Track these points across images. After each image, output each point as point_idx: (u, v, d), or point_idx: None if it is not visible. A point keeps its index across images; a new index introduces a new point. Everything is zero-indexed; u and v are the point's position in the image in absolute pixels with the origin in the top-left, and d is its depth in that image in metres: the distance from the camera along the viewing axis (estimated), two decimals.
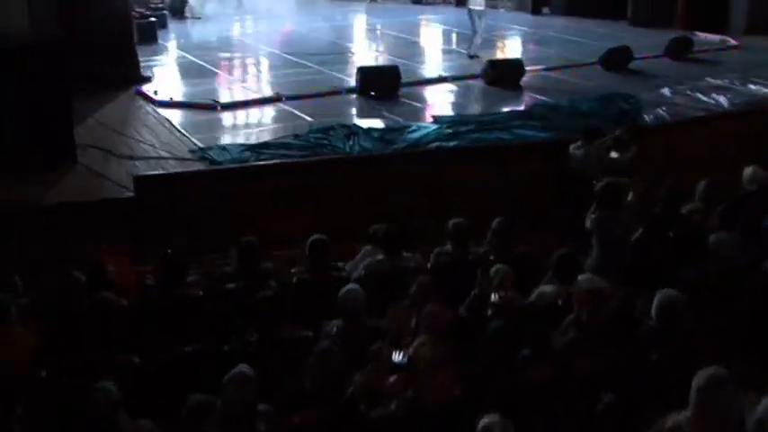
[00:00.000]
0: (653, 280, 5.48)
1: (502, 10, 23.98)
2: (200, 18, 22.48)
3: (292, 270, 6.43)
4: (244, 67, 15.86)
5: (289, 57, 15.97)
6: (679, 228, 7.01)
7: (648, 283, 5.45)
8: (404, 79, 13.21)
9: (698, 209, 7.34)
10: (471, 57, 15.58)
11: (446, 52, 17.38)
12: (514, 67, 13.79)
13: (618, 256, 6.65)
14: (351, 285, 5.55)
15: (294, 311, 5.52)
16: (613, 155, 9.59)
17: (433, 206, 8.80)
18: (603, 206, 6.90)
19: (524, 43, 18.34)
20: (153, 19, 18.42)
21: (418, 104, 12.53)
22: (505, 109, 12.11)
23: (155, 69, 15.08)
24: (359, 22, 22.38)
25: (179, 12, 22.56)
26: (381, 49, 17.83)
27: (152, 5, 20.55)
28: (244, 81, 14.14)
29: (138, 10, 18.15)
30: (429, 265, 6.57)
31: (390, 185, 9.12)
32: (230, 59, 16.23)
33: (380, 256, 6.53)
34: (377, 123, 11.30)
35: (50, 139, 9.13)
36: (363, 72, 12.93)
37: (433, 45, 18.43)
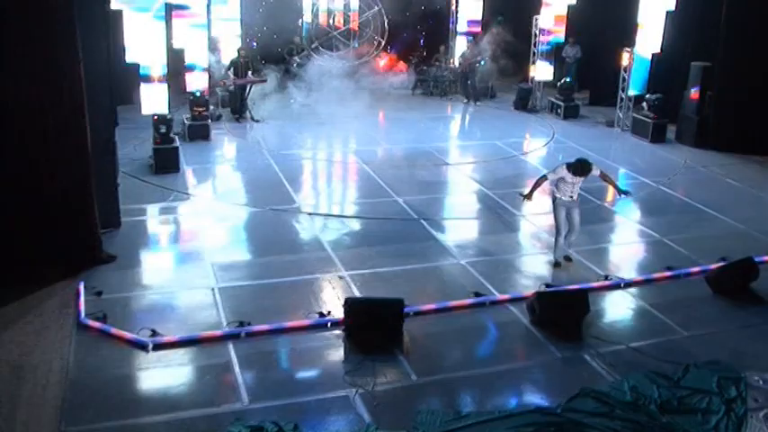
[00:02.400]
0: None
1: (617, 129, 19.98)
2: (258, 121, 19.65)
3: None
4: (245, 238, 12.63)
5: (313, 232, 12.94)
6: None
7: None
8: (416, 305, 9.97)
9: None
10: (556, 265, 11.57)
11: (519, 240, 12.95)
12: (574, 302, 9.90)
13: None
14: None
15: None
16: None
17: None
18: None
19: (619, 210, 14.25)
20: (175, 144, 15.61)
21: (406, 368, 8.81)
22: (522, 403, 8.24)
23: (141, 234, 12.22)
24: (440, 147, 18.82)
25: (237, 112, 19.83)
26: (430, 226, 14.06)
27: (196, 111, 17.82)
28: (224, 281, 10.82)
29: (160, 132, 15.35)
30: None
31: None
32: (235, 226, 13.07)
33: None
34: (335, 416, 7.81)
35: None
36: (351, 307, 9.44)
37: (508, 222, 13.61)
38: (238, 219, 13.24)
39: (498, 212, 13.87)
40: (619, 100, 19.96)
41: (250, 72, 19.79)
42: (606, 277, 11.17)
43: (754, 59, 17.34)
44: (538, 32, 21.98)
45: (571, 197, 11.21)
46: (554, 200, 11.38)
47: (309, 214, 13.36)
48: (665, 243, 12.59)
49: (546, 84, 22.40)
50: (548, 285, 10.82)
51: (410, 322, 9.63)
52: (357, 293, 10.43)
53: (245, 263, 11.50)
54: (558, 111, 21.18)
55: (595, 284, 10.91)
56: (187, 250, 11.99)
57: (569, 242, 11.57)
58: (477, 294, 10.47)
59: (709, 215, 13.97)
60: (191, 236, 12.54)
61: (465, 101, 22.96)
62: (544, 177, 11.32)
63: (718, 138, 18.07)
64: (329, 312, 9.80)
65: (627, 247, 12.72)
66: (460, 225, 13.27)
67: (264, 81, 20.21)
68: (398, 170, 16.04)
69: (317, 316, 9.75)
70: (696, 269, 11.48)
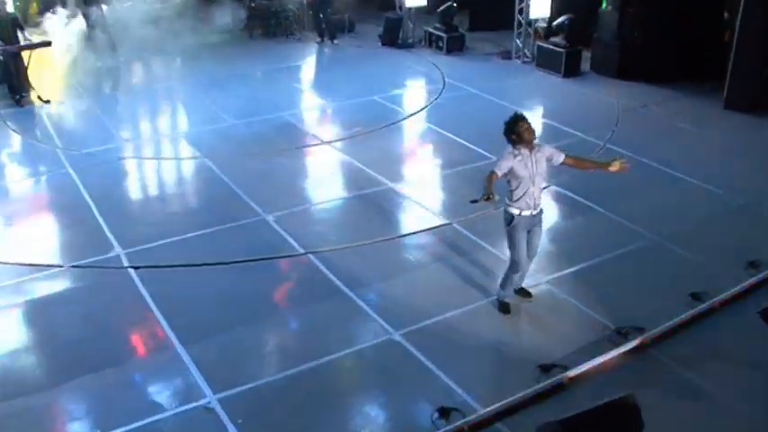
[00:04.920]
0: None
1: (517, 62, 16.03)
2: (48, 102, 14.22)
3: None
4: (30, 340, 7.67)
5: None
6: None
7: None
8: None
9: None
10: (504, 308, 7.42)
11: (461, 274, 8.50)
12: (615, 421, 5.81)
13: None
14: None
15: None
16: None
17: None
18: None
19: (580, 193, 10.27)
20: None
21: None
22: None
23: None
24: (302, 115, 14.15)
25: (16, 92, 14.26)
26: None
27: None
28: None
29: None
30: None
31: None
32: (12, 314, 8.04)
33: None
34: None
35: None
36: None
37: (435, 237, 9.31)
38: (18, 294, 8.19)
39: (418, 218, 9.59)
40: (516, 25, 15.86)
41: (23, 33, 14.21)
42: (619, 332, 7.22)
43: None
44: None
45: (534, 208, 7.07)
46: (510, 220, 7.17)
47: (136, 269, 8.54)
48: (666, 247, 8.80)
49: (419, 11, 17.94)
50: (543, 368, 6.76)
51: None
52: None
53: (31, 401, 6.63)
54: (440, 44, 16.87)
55: (613, 353, 6.95)
56: None
57: (524, 272, 7.51)
58: (442, 414, 6.24)
59: (690, 185, 10.37)
60: None
61: (318, 40, 18.20)
62: (493, 173, 6.98)
63: (646, 65, 14.43)
64: None
65: (618, 263, 8.64)
66: (369, 255, 8.77)
67: (49, 44, 14.64)
68: (256, 163, 11.32)
69: None
70: (733, 292, 7.77)
